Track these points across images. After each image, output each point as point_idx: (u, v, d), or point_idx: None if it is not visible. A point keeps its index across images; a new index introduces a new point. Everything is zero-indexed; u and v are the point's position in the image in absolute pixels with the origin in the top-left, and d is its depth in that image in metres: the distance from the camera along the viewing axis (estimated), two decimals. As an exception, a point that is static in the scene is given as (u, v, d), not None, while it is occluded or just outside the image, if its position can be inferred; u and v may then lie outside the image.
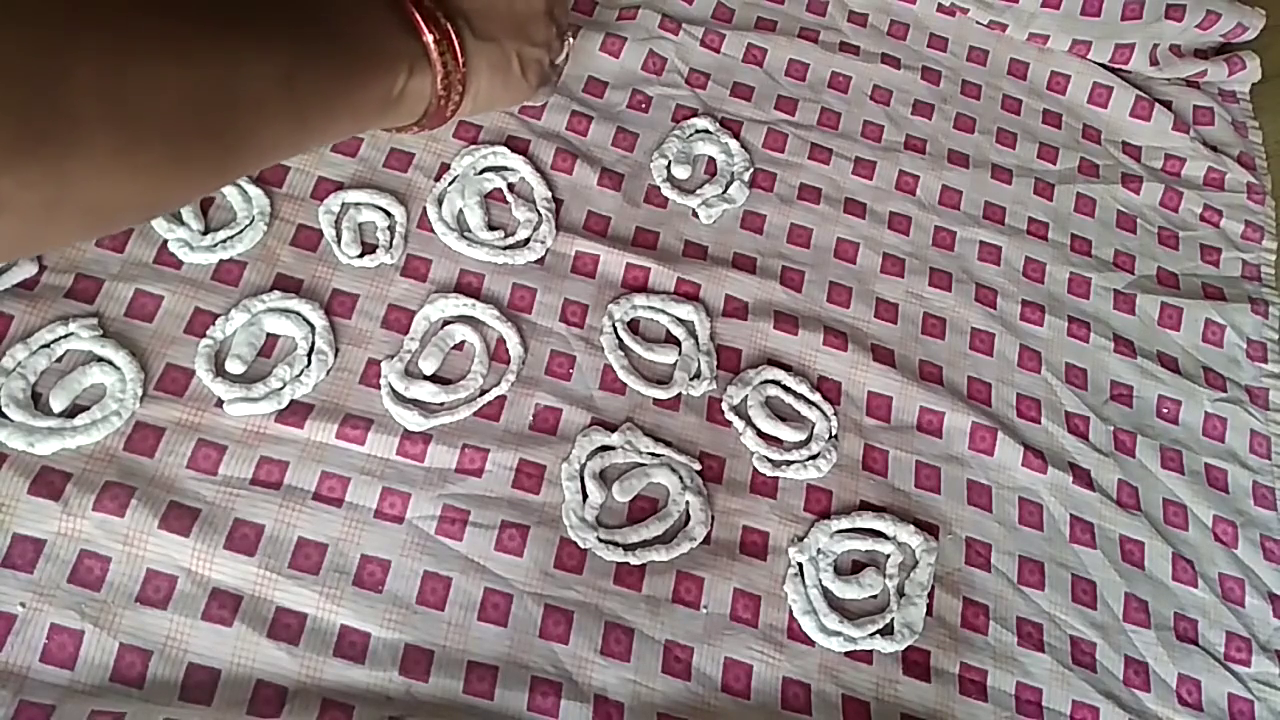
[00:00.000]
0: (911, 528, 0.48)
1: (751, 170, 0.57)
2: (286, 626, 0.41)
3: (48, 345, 0.44)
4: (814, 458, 0.49)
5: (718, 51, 0.61)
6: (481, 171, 0.53)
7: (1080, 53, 0.64)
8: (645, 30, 0.60)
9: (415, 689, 0.41)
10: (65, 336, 0.44)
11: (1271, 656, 0.50)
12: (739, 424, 0.49)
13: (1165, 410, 0.55)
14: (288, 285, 0.48)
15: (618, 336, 0.50)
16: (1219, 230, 0.62)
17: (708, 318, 0.52)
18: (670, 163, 0.56)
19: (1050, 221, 0.60)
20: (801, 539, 0.47)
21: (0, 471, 0.41)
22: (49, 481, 0.41)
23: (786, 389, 0.51)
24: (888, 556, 0.47)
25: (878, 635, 0.45)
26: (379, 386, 0.47)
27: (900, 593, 0.47)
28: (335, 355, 0.47)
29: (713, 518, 0.47)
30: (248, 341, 0.46)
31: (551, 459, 0.47)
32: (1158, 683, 0.48)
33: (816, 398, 0.51)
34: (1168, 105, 0.64)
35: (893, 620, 0.46)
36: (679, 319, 0.52)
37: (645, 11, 0.61)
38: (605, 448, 0.47)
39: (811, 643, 0.45)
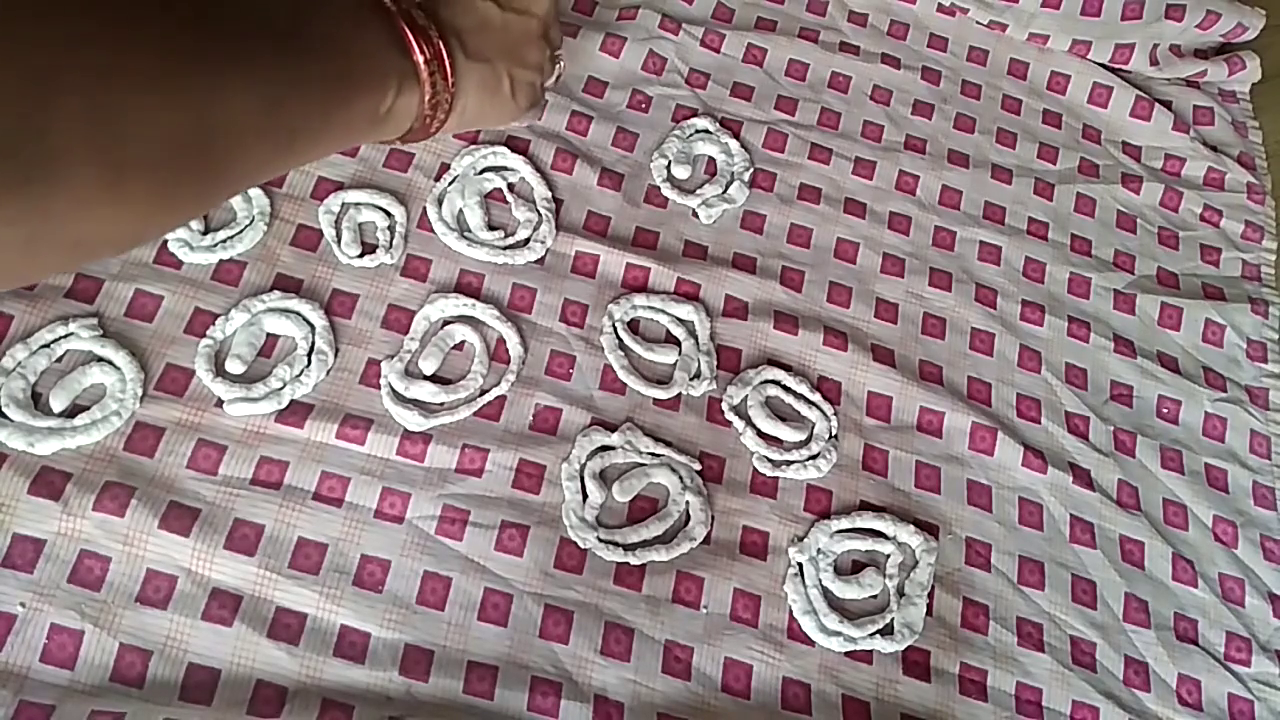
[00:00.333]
0: (911, 528, 0.48)
1: (751, 170, 0.57)
2: (286, 626, 0.41)
3: (48, 345, 0.44)
4: (814, 458, 0.49)
5: (718, 51, 0.61)
6: (481, 171, 0.53)
7: (1080, 53, 0.64)
8: (645, 30, 0.60)
9: (415, 689, 0.41)
10: (65, 336, 0.44)
11: (1271, 656, 0.50)
12: (739, 424, 0.49)
13: (1165, 410, 0.55)
14: (288, 285, 0.48)
15: (618, 336, 0.50)
16: (1219, 230, 0.62)
17: (708, 318, 0.52)
18: (670, 163, 0.56)
19: (1050, 221, 0.60)
20: (801, 539, 0.47)
21: (0, 471, 0.41)
22: (49, 481, 0.41)
23: (786, 389, 0.51)
24: (888, 556, 0.47)
25: (878, 635, 0.45)
26: (379, 386, 0.47)
27: (900, 593, 0.47)
28: (335, 355, 0.47)
29: (713, 518, 0.47)
30: (248, 341, 0.46)
31: (551, 459, 0.47)
32: (1158, 683, 0.48)
33: (816, 398, 0.51)
34: (1168, 105, 0.64)
35: (893, 620, 0.46)
36: (679, 319, 0.52)
37: (645, 11, 0.61)
38: (605, 448, 0.47)
39: (811, 643, 0.45)
